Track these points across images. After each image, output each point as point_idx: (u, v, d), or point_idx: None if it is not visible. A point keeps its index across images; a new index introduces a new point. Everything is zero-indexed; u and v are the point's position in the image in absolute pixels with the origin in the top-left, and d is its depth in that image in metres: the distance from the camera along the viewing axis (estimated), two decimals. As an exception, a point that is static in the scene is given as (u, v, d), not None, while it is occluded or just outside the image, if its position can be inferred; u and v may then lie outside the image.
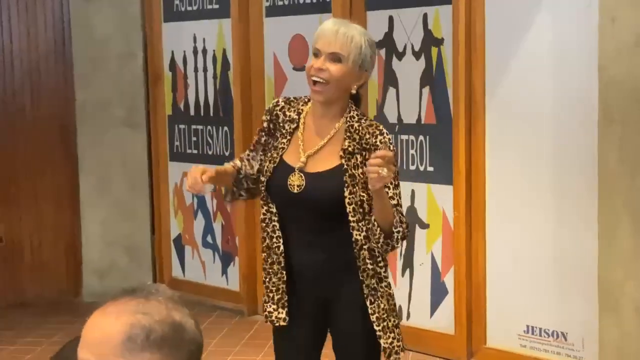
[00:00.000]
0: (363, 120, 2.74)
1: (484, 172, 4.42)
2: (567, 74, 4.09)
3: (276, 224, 2.75)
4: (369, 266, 2.71)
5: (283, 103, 2.84)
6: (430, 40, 4.57)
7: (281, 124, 2.80)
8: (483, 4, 4.32)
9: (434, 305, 4.67)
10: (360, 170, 2.67)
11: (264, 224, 2.79)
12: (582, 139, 4.02)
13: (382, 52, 4.80)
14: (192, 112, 5.84)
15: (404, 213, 2.74)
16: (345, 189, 2.66)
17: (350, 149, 2.70)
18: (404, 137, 4.70)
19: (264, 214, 2.79)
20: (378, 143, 2.68)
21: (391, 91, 4.80)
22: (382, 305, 2.73)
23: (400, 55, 4.72)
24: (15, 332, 5.32)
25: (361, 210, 2.67)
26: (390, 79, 4.79)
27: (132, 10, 5.92)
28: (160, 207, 6.04)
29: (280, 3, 5.27)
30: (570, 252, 4.13)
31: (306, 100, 2.83)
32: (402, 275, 4.79)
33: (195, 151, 5.84)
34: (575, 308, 4.13)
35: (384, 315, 2.74)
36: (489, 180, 4.41)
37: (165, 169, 6.01)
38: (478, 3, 4.33)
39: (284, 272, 2.76)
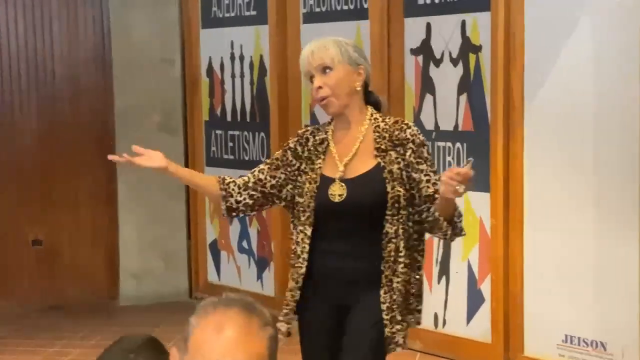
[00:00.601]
0: (387, 119, 2.84)
1: (521, 179, 4.39)
2: (608, 80, 4.06)
3: (307, 245, 2.81)
4: (392, 259, 2.77)
5: (312, 128, 2.96)
6: (468, 47, 4.56)
7: (311, 147, 2.87)
8: (522, 10, 4.31)
9: (470, 313, 4.66)
10: (397, 165, 2.77)
11: (295, 245, 2.86)
12: (623, 146, 3.98)
13: (420, 59, 4.80)
14: (228, 118, 5.88)
15: None
16: (387, 185, 2.75)
17: (382, 147, 2.78)
18: (441, 144, 4.69)
19: (296, 234, 2.86)
20: (409, 136, 2.77)
21: (428, 98, 4.80)
22: (394, 297, 2.77)
23: (438, 62, 4.72)
24: (53, 334, 5.39)
25: (397, 205, 2.76)
26: (427, 86, 4.78)
27: (171, 16, 5.97)
28: (196, 212, 6.09)
29: (318, 10, 5.28)
30: (610, 260, 4.09)
31: (329, 120, 2.93)
32: (438, 282, 4.78)
33: (231, 157, 5.87)
34: (615, 317, 4.09)
35: (394, 307, 2.78)
36: (527, 188, 4.38)
37: (202, 174, 6.05)
38: (517, 10, 4.32)
39: (299, 292, 2.83)
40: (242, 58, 5.74)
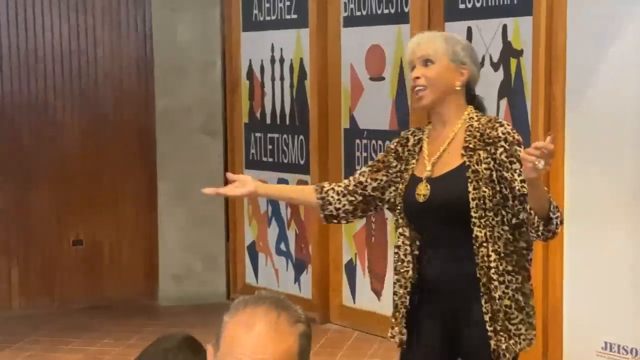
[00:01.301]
0: (482, 118, 2.76)
1: (562, 184, 4.35)
2: (651, 86, 4.01)
3: (408, 247, 2.76)
4: (486, 265, 2.65)
5: (414, 129, 2.93)
6: (510, 52, 4.53)
7: (410, 147, 2.84)
8: (565, 14, 4.27)
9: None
10: (484, 166, 2.66)
11: (397, 248, 2.81)
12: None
13: (460, 62, 4.78)
14: (268, 121, 5.91)
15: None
16: (469, 185, 2.66)
17: (471, 146, 2.69)
18: (481, 148, 4.67)
19: (397, 237, 2.82)
20: (500, 134, 2.67)
21: (468, 102, 4.78)
22: (495, 307, 2.65)
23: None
24: (94, 333, 5.45)
25: (483, 206, 2.65)
26: (467, 90, 4.76)
27: (213, 20, 6.03)
28: (235, 215, 6.12)
29: (358, 13, 5.29)
30: (651, 268, 4.04)
31: (429, 120, 2.89)
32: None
33: (270, 159, 5.90)
34: (655, 326, 4.04)
35: (497, 317, 2.64)
36: (567, 193, 4.34)
37: (241, 177, 6.08)
38: (559, 14, 4.28)
39: (408, 298, 2.78)
40: (282, 61, 5.77)
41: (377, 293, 5.30)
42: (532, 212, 2.59)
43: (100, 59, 6.01)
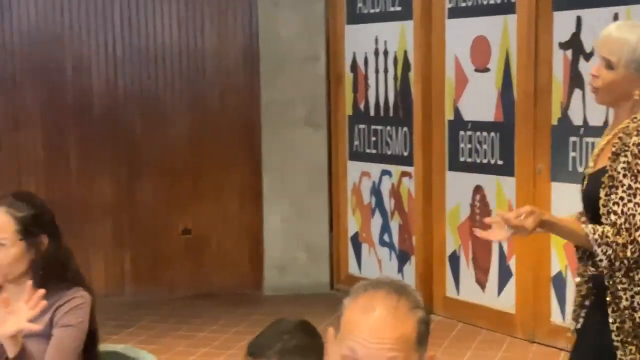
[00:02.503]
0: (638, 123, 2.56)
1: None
2: None
3: None
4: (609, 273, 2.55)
5: None
6: (620, 41, 4.44)
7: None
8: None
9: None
10: (622, 172, 2.51)
11: None
12: None
13: (569, 52, 4.72)
14: (372, 113, 5.95)
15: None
16: (601, 190, 2.54)
17: (614, 149, 2.55)
18: (590, 139, 4.59)
19: None
20: (630, 145, 2.50)
21: (577, 93, 4.71)
22: (623, 317, 2.53)
23: (588, 57, 4.62)
24: (202, 320, 5.60)
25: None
26: (576, 81, 4.70)
27: (316, 13, 6.10)
28: (338, 206, 6.19)
29: (463, 4, 5.27)
30: None
31: None
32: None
33: (374, 151, 5.94)
34: None
35: (625, 327, 2.53)
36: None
37: (344, 168, 6.15)
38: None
39: (582, 287, 2.69)
40: (386, 53, 5.80)
41: (482, 285, 5.28)
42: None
43: (207, 54, 6.16)
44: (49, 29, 5.98)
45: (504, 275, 5.11)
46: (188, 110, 6.18)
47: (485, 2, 5.14)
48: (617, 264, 2.50)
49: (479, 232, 2.65)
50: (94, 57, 6.04)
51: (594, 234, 2.51)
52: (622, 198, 2.49)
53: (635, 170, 2.47)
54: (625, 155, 2.50)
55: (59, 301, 2.42)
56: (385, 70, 5.81)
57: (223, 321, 5.57)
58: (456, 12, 5.32)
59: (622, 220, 2.48)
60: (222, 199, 6.24)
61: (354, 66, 6.04)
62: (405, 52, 5.64)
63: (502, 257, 5.13)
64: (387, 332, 1.60)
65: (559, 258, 4.82)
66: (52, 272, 2.43)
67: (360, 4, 5.95)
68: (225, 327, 5.46)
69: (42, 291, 2.28)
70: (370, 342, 1.60)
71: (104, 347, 2.79)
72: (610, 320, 2.54)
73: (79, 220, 5.88)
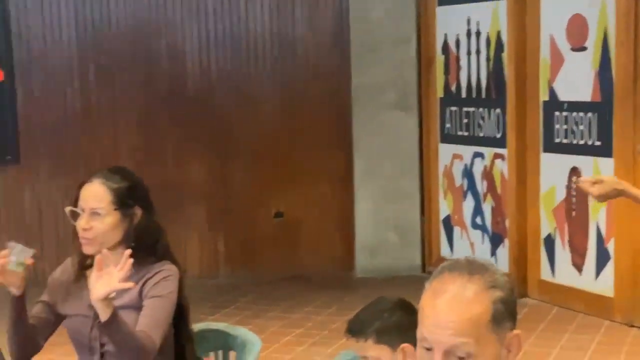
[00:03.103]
0: None
1: None
2: None
3: None
4: None
5: None
6: None
7: None
8: None
9: None
10: None
11: None
12: None
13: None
14: (463, 95, 5.89)
15: None
16: None
17: None
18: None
19: None
20: None
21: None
22: None
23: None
24: (295, 302, 5.67)
25: None
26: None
27: (407, -5, 6.07)
28: (430, 188, 6.17)
29: (559, -18, 5.17)
30: None
31: None
32: None
33: (465, 133, 5.89)
34: None
35: None
36: None
37: (436, 151, 6.12)
38: None
39: None
40: (478, 34, 5.73)
41: (578, 267, 5.19)
42: None
43: (298, 38, 6.21)
44: (145, 17, 6.12)
45: (602, 258, 5.01)
46: (279, 94, 6.24)
47: (582, -20, 5.02)
48: None
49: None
50: (187, 44, 6.15)
51: None
52: None
53: None
54: None
55: (148, 274, 2.48)
56: (478, 52, 5.75)
57: (316, 303, 5.62)
58: (551, -9, 5.22)
59: None
60: (314, 182, 6.28)
61: (445, 48, 5.99)
62: (499, 33, 5.56)
63: (600, 240, 5.03)
64: (451, 316, 1.53)
65: (660, 240, 4.71)
66: (143, 244, 2.50)
67: (451, -15, 5.89)
68: (318, 308, 5.51)
69: (129, 251, 2.33)
70: (436, 328, 1.54)
71: (205, 325, 2.85)
72: None
73: (174, 204, 6.02)
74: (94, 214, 2.47)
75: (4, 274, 2.41)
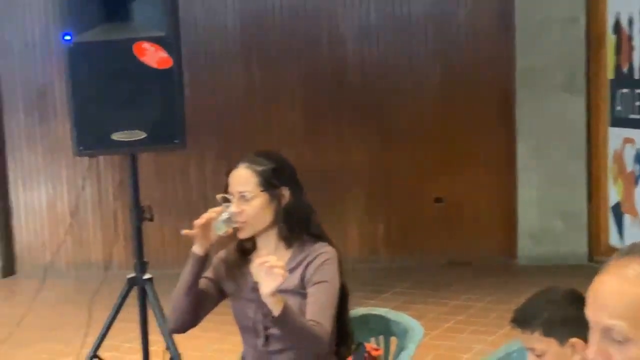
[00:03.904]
0: None
1: None
2: None
3: None
4: None
5: None
6: None
7: None
8: None
9: None
10: None
11: None
12: None
13: None
14: (636, 76, 5.60)
15: None
16: None
17: None
18: None
19: None
20: None
21: None
22: None
23: None
24: (455, 288, 5.60)
25: None
26: None
27: (576, -27, 5.84)
28: (598, 174, 5.92)
29: None
30: None
31: None
32: None
33: (638, 116, 5.60)
34: None
35: None
36: None
37: (605, 135, 5.86)
38: None
39: None
40: (653, 12, 5.44)
41: None
42: None
43: (460, 20, 6.09)
44: (307, 5, 6.17)
45: None
46: (441, 78, 6.16)
47: None
48: None
49: None
50: (348, 29, 6.16)
51: None
52: None
53: None
54: None
55: (309, 257, 2.48)
56: (652, 31, 5.45)
57: (476, 289, 5.53)
58: None
59: None
60: (475, 167, 6.17)
61: (617, 28, 5.71)
62: (675, 10, 5.25)
63: None
64: (608, 298, 1.41)
65: None
66: (295, 224, 2.51)
67: (624, -39, 5.61)
68: (479, 295, 5.41)
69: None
70: (594, 309, 1.42)
71: (367, 310, 2.83)
72: None
73: (335, 188, 6.07)
74: (242, 197, 2.50)
75: (204, 228, 2.45)
